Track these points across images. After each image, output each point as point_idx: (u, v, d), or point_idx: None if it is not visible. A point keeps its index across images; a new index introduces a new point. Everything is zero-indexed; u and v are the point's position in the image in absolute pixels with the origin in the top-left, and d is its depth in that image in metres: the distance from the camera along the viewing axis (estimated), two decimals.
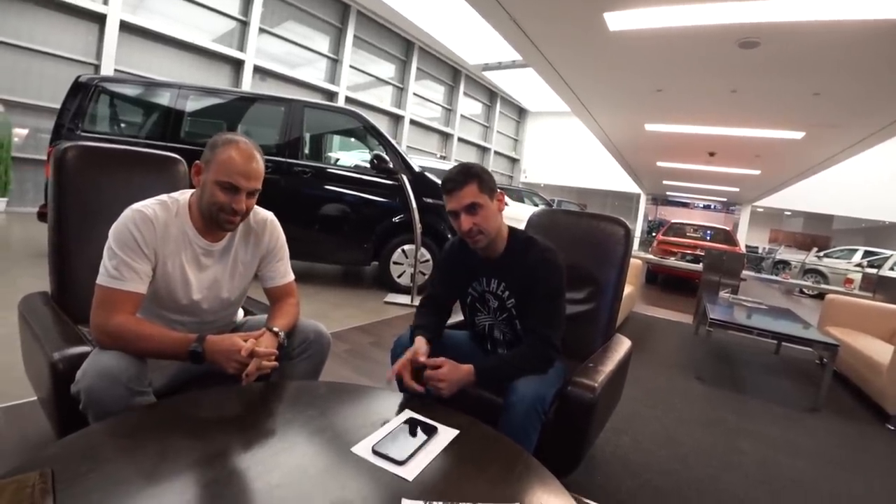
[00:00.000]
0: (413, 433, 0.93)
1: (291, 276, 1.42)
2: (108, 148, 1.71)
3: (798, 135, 6.50)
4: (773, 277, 4.84)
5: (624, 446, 1.99)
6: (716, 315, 3.02)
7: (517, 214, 7.52)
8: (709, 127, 6.93)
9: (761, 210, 18.38)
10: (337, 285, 4.57)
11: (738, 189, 13.80)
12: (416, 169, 4.37)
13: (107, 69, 7.63)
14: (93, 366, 1.01)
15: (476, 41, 11.63)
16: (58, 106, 4.34)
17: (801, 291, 9.02)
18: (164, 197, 1.21)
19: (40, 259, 4.41)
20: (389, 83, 13.43)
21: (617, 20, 3.90)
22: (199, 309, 1.28)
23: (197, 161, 1.19)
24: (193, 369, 1.26)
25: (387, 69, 13.30)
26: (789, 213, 19.39)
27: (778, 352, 3.89)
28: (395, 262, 4.33)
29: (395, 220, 4.24)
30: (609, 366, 1.46)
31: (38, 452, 0.81)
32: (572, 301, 1.85)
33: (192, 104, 4.23)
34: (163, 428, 0.91)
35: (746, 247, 17.86)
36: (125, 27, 7.80)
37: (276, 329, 1.20)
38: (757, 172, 10.15)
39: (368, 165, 4.19)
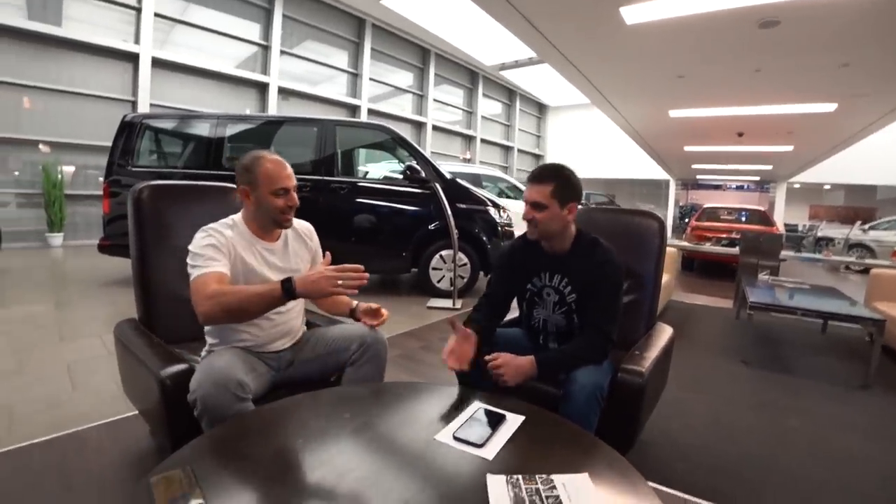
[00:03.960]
0: (485, 420, 1.04)
1: None
2: (176, 185, 1.91)
3: (830, 107, 6.32)
4: (815, 256, 4.74)
5: (674, 430, 2.05)
6: (756, 298, 3.02)
7: None
8: (735, 108, 6.82)
9: (798, 186, 17.75)
10: (377, 294, 4.73)
11: (771, 167, 13.39)
12: (448, 176, 4.49)
13: (143, 104, 8.07)
14: (205, 377, 1.17)
15: (491, 42, 11.69)
16: (100, 143, 4.68)
17: (847, 268, 8.70)
18: (227, 220, 1.44)
19: (108, 288, 4.75)
20: (409, 91, 13.64)
21: (633, 13, 3.94)
22: None
23: (241, 186, 1.41)
24: (280, 377, 1.46)
25: (405, 78, 13.52)
26: (829, 186, 18.65)
27: (825, 331, 3.83)
28: (433, 268, 4.46)
29: (431, 227, 4.38)
30: (654, 352, 1.55)
31: (174, 454, 0.96)
32: None
33: (230, 132, 4.49)
34: (269, 430, 1.06)
35: (785, 225, 17.30)
36: (156, 63, 8.23)
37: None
38: (790, 148, 9.86)
39: (401, 177, 4.34)
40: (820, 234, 12.89)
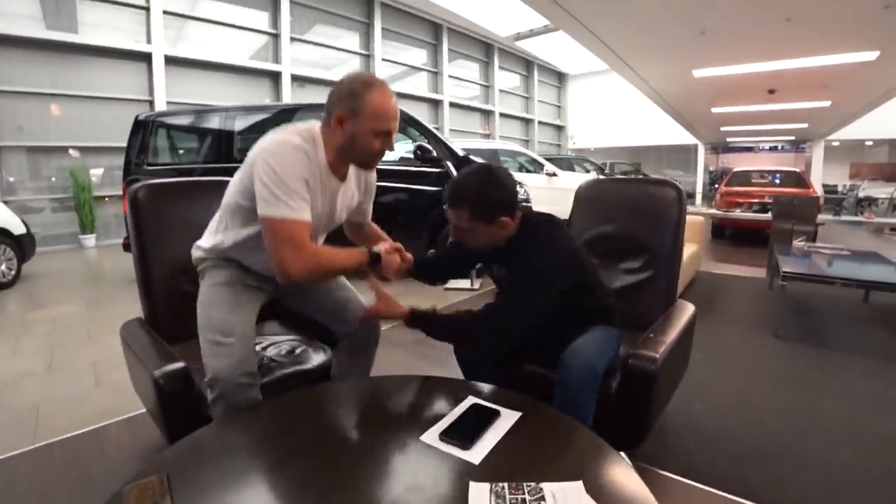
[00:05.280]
0: (477, 418, 0.98)
1: None
2: (171, 182, 1.88)
3: (871, 55, 5.84)
4: (856, 218, 4.43)
5: (696, 413, 1.94)
6: (789, 267, 2.83)
7: (566, 184, 7.33)
8: (764, 63, 6.39)
9: (837, 144, 16.74)
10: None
11: (806, 125, 12.64)
12: (461, 153, 4.38)
13: (160, 102, 8.18)
14: (214, 366, 1.19)
15: (504, 12, 11.31)
16: (122, 144, 4.75)
17: (893, 230, 8.15)
18: (302, 129, 1.20)
19: (135, 286, 4.83)
20: (423, 69, 13.40)
21: None
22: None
23: (339, 112, 1.17)
24: (277, 295, 1.49)
25: (419, 56, 13.27)
26: (871, 143, 17.52)
27: (867, 300, 3.58)
28: None
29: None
30: (671, 334, 1.44)
31: (153, 458, 0.94)
32: (627, 271, 1.83)
33: (240, 123, 4.47)
34: (254, 430, 1.02)
35: (823, 186, 16.42)
36: (170, 60, 8.30)
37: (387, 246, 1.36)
38: (827, 104, 9.25)
39: (412, 157, 4.25)
40: (862, 194, 12.18)
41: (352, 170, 1.33)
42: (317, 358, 1.65)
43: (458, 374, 1.49)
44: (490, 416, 0.98)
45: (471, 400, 1.05)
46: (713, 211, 5.27)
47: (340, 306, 1.48)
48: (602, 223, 1.90)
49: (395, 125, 1.20)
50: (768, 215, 4.73)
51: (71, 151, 7.77)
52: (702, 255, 4.51)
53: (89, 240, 7.73)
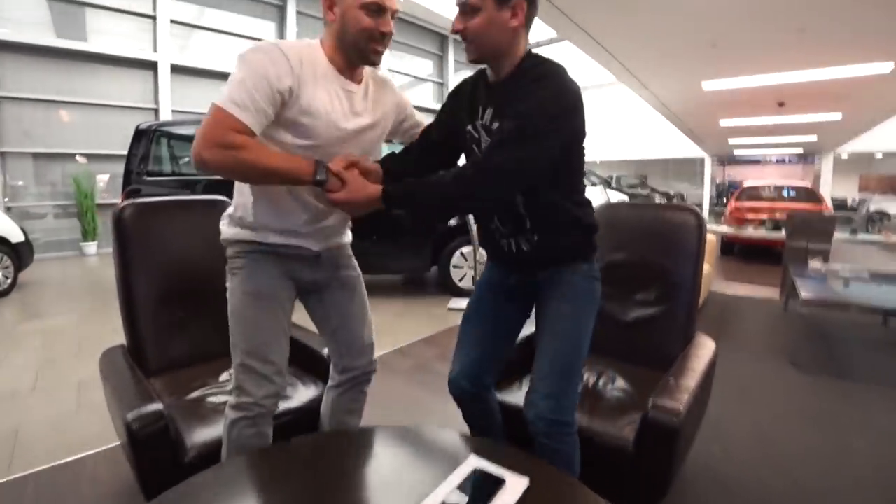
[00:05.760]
0: (480, 486, 0.86)
1: None
2: (158, 201, 1.78)
3: (886, 66, 5.71)
4: (874, 238, 4.27)
5: (714, 457, 1.79)
6: (809, 292, 2.70)
7: None
8: (775, 74, 6.28)
9: (846, 157, 16.57)
10: (400, 295, 4.59)
11: (815, 137, 12.50)
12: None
13: (165, 111, 8.16)
14: (250, 390, 1.14)
15: None
16: (125, 152, 4.69)
17: None
18: (289, 42, 1.07)
19: None
20: (428, 80, 13.38)
21: None
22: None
23: None
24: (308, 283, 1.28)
25: (425, 66, 13.26)
26: (880, 155, 17.33)
27: (886, 323, 3.43)
28: (454, 266, 4.28)
29: (450, 223, 4.19)
30: (693, 379, 1.32)
31: None
32: (643, 303, 1.71)
33: None
34: (232, 489, 0.91)
35: (832, 199, 16.23)
36: (175, 69, 8.28)
37: None
38: (838, 116, 9.11)
39: None
40: (873, 207, 11.99)
41: (371, 84, 1.19)
42: (306, 393, 1.54)
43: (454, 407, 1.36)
44: (494, 486, 0.86)
45: (473, 462, 0.93)
46: (725, 229, 5.13)
47: (357, 336, 1.36)
48: (616, 250, 1.78)
49: (391, 3, 1.05)
50: (781, 234, 4.59)
51: (78, 157, 7.75)
52: (713, 274, 4.37)
53: (90, 247, 7.69)
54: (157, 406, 1.22)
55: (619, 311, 1.76)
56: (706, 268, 3.84)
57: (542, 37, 12.38)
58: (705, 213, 17.34)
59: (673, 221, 1.70)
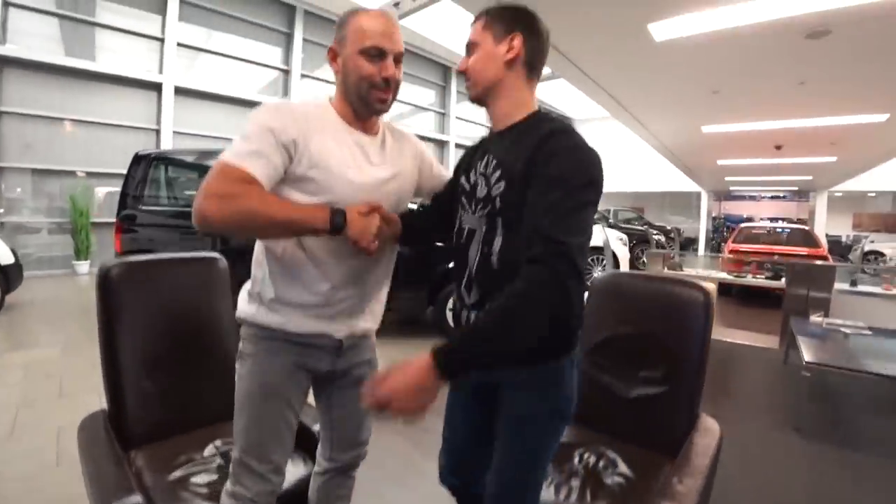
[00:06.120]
0: None
1: None
2: (147, 260, 1.72)
3: (881, 117, 5.83)
4: (874, 290, 4.26)
5: None
6: (812, 354, 2.65)
7: None
8: (774, 121, 6.39)
9: (840, 194, 16.79)
10: (395, 336, 4.50)
11: (811, 177, 12.69)
12: None
13: (166, 132, 8.18)
14: (245, 485, 1.08)
15: None
16: (125, 171, 4.68)
17: None
18: (301, 103, 1.05)
19: None
20: (430, 110, 13.53)
21: (662, 30, 3.66)
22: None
23: (330, 47, 1.05)
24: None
25: (427, 95, 13.43)
26: (873, 194, 17.59)
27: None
28: (450, 310, 4.21)
29: (450, 265, 4.14)
30: (699, 476, 1.25)
31: None
32: (646, 380, 1.66)
33: None
34: None
35: (827, 236, 16.36)
36: (179, 91, 8.35)
37: None
38: (832, 159, 9.26)
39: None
40: (868, 247, 12.06)
41: (389, 137, 1.15)
42: (295, 472, 1.46)
43: None
44: None
45: None
46: (723, 275, 5.12)
47: (353, 435, 1.29)
48: (620, 323, 1.73)
49: (392, 45, 1.01)
50: (781, 282, 4.58)
51: (78, 172, 7.75)
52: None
53: (83, 266, 7.61)
54: (136, 500, 1.14)
55: (622, 387, 1.70)
56: None
57: (544, 71, 12.63)
58: (701, 248, 17.41)
59: (681, 298, 1.65)
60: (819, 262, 4.19)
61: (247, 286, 1.14)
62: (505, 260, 0.94)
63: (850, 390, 3.28)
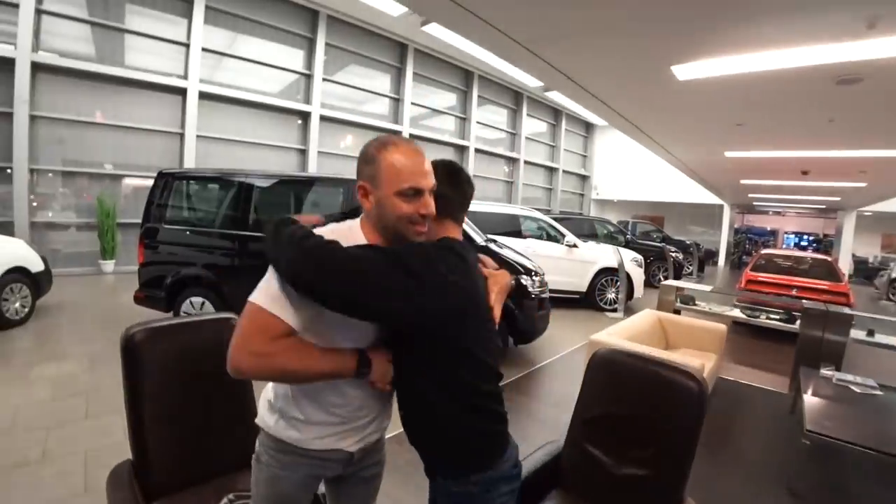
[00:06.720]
0: None
1: None
2: (167, 325, 1.81)
3: None
4: (889, 342, 4.16)
5: None
6: (814, 423, 2.62)
7: (586, 256, 7.11)
8: (801, 151, 6.27)
9: (869, 214, 16.31)
10: None
11: (839, 199, 12.36)
12: (481, 242, 4.30)
13: (189, 135, 8.40)
14: None
15: None
16: (151, 174, 4.85)
17: None
18: (332, 225, 1.12)
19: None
20: (451, 114, 13.57)
21: (685, 71, 3.68)
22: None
23: (361, 182, 1.07)
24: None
25: (448, 100, 13.47)
26: None
27: None
28: None
29: None
30: None
31: None
32: (635, 461, 1.70)
33: (258, 189, 4.45)
34: None
35: (853, 257, 15.89)
36: (203, 96, 8.56)
37: None
38: (862, 185, 9.04)
39: None
40: (895, 274, 11.64)
41: None
42: None
43: None
44: None
45: None
46: (736, 312, 5.06)
47: None
48: (614, 402, 1.79)
49: (426, 181, 1.04)
50: (795, 326, 4.52)
51: (106, 166, 8.02)
52: (721, 364, 4.30)
53: (108, 265, 7.89)
54: None
55: (612, 464, 1.76)
56: (712, 359, 3.80)
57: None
58: (721, 261, 17.07)
59: (675, 385, 1.68)
60: (834, 311, 4.11)
61: (267, 394, 1.21)
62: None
63: (853, 456, 3.22)
